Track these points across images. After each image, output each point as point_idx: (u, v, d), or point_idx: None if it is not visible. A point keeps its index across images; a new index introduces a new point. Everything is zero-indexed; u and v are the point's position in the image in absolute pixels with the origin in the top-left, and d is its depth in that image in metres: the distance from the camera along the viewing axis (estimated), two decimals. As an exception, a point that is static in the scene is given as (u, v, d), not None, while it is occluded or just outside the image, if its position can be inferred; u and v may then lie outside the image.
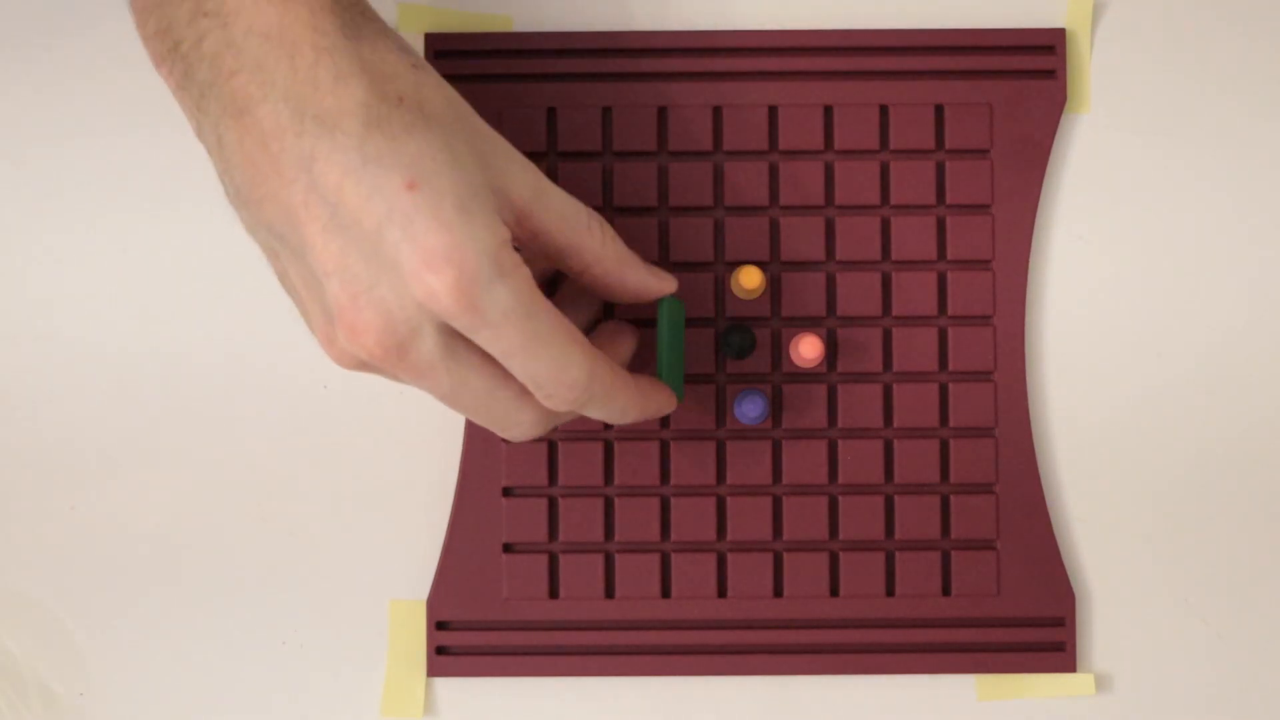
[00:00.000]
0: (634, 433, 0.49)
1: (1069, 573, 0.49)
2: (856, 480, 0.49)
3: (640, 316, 0.48)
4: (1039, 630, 0.49)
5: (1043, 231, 0.50)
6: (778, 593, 0.49)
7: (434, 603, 0.49)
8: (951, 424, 0.49)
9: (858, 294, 0.49)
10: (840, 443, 0.49)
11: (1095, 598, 0.50)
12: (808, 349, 0.47)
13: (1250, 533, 0.50)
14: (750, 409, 0.48)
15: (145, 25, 0.39)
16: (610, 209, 0.49)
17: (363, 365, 0.39)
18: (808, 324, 0.49)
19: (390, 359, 0.38)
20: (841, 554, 0.49)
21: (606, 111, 0.49)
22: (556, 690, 0.49)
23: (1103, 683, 0.49)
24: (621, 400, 0.42)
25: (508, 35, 0.49)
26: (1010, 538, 0.49)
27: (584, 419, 0.46)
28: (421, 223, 0.36)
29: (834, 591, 0.49)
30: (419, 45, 0.49)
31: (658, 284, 0.44)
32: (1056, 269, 0.50)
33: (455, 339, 0.38)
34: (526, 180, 0.40)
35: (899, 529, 0.49)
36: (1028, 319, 0.49)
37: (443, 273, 0.36)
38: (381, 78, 0.37)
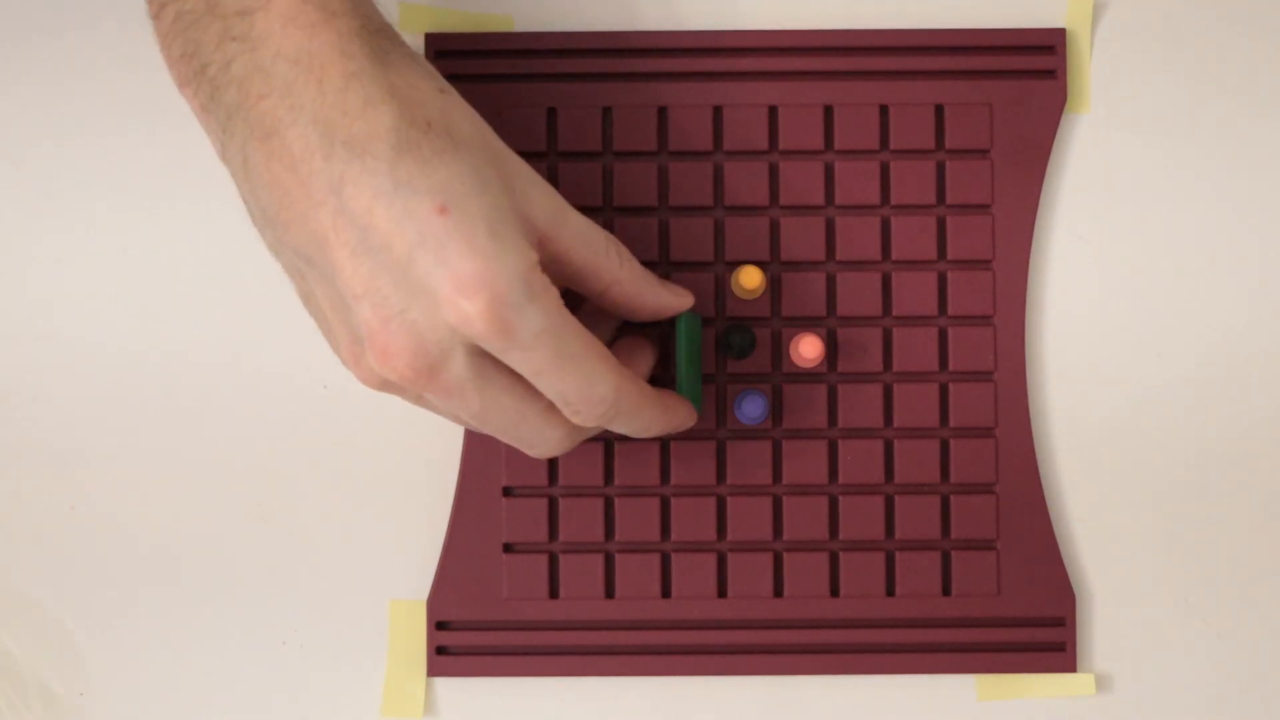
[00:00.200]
0: (634, 433, 0.49)
1: (1069, 573, 0.49)
2: (856, 480, 0.49)
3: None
4: (1039, 630, 0.49)
5: (1043, 231, 0.50)
6: (778, 593, 0.49)
7: (434, 603, 0.49)
8: (951, 424, 0.49)
9: (858, 294, 0.49)
10: (840, 443, 0.49)
11: (1095, 598, 0.50)
12: (808, 349, 0.47)
13: (1250, 533, 0.50)
14: (750, 409, 0.48)
15: (170, 48, 0.39)
16: (610, 209, 0.49)
17: (389, 386, 0.40)
18: (808, 324, 0.49)
19: (421, 381, 0.38)
20: (841, 554, 0.49)
21: (606, 111, 0.49)
22: (556, 690, 0.49)
23: (1103, 683, 0.49)
24: (646, 415, 0.42)
25: (508, 35, 0.49)
26: (1010, 538, 0.49)
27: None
28: (454, 248, 0.36)
29: (834, 591, 0.49)
30: (419, 45, 0.49)
31: (676, 301, 0.45)
32: (1056, 269, 0.50)
33: (484, 360, 0.39)
34: (549, 205, 0.40)
35: (899, 529, 0.49)
36: (1028, 319, 0.49)
37: (476, 297, 0.36)
38: (410, 103, 0.37)
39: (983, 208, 0.49)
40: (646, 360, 0.46)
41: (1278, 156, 0.50)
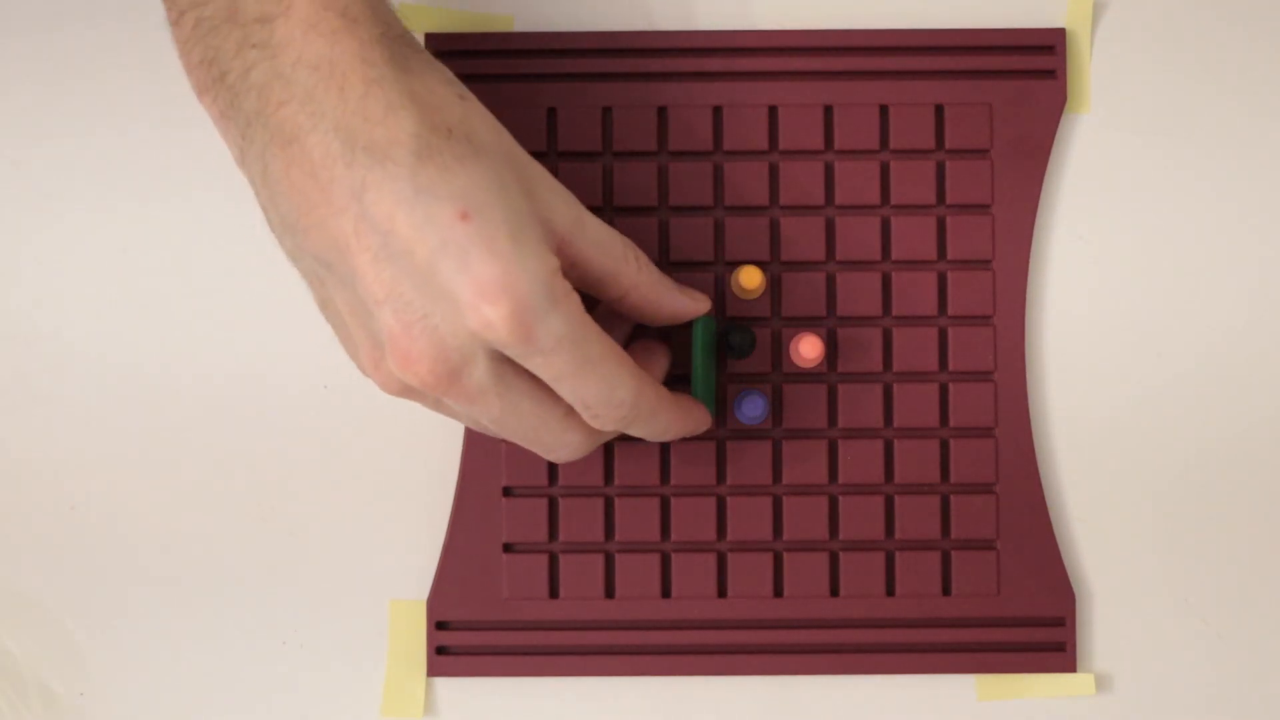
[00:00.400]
0: (634, 433, 0.49)
1: (1069, 573, 0.49)
2: (856, 480, 0.49)
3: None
4: (1039, 630, 0.49)
5: (1043, 231, 0.50)
6: (778, 593, 0.49)
7: (434, 603, 0.49)
8: (951, 424, 0.49)
9: (858, 294, 0.49)
10: (840, 443, 0.49)
11: (1095, 598, 0.50)
12: (808, 349, 0.47)
13: (1250, 533, 0.50)
14: (750, 409, 0.48)
15: (189, 55, 0.39)
16: (610, 209, 0.49)
17: (408, 391, 0.40)
18: (808, 324, 0.49)
19: (442, 386, 0.38)
20: (841, 554, 0.49)
21: (606, 111, 0.49)
22: (556, 690, 0.49)
23: (1103, 683, 0.49)
24: (664, 419, 0.43)
25: (508, 35, 0.49)
26: (1010, 538, 0.49)
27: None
28: (476, 254, 0.36)
29: (834, 591, 0.49)
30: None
31: (693, 305, 0.45)
32: (1056, 269, 0.50)
33: (505, 365, 0.39)
34: (568, 211, 0.40)
35: (899, 529, 0.49)
36: (1028, 319, 0.49)
37: (499, 303, 0.36)
38: (431, 109, 0.38)
39: (983, 208, 0.49)
40: (662, 364, 0.46)
41: (1278, 156, 0.50)
